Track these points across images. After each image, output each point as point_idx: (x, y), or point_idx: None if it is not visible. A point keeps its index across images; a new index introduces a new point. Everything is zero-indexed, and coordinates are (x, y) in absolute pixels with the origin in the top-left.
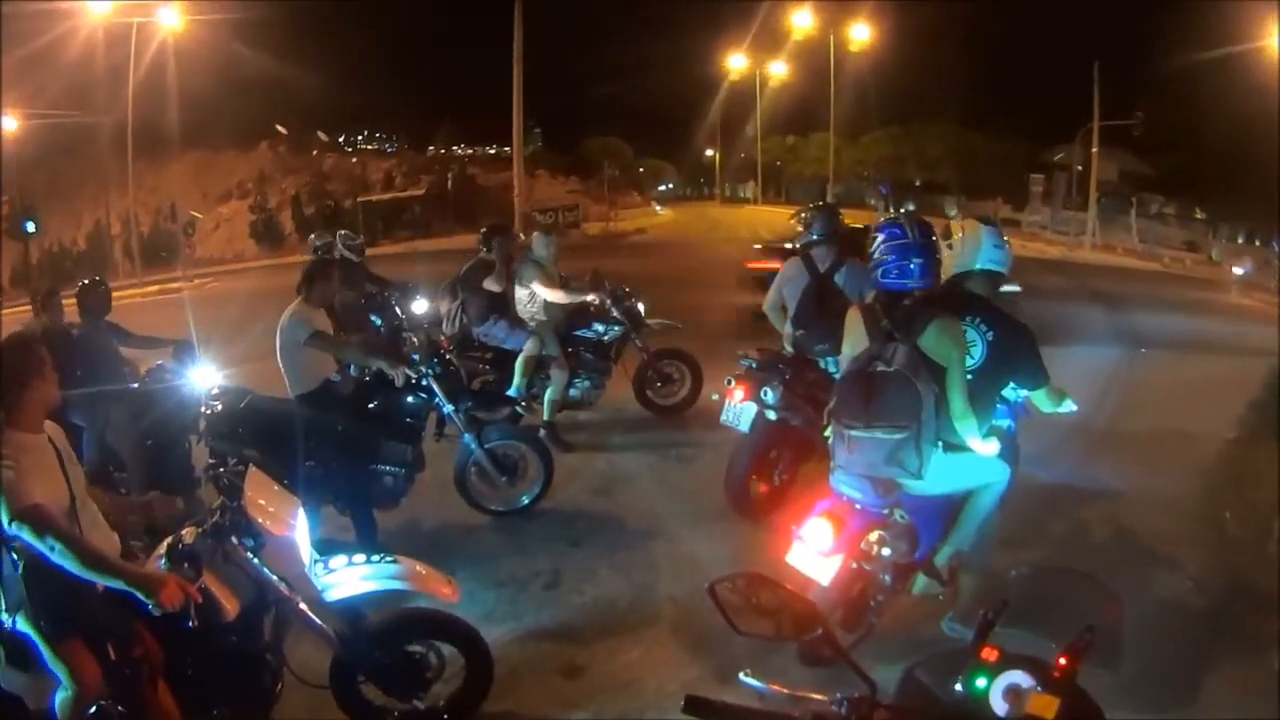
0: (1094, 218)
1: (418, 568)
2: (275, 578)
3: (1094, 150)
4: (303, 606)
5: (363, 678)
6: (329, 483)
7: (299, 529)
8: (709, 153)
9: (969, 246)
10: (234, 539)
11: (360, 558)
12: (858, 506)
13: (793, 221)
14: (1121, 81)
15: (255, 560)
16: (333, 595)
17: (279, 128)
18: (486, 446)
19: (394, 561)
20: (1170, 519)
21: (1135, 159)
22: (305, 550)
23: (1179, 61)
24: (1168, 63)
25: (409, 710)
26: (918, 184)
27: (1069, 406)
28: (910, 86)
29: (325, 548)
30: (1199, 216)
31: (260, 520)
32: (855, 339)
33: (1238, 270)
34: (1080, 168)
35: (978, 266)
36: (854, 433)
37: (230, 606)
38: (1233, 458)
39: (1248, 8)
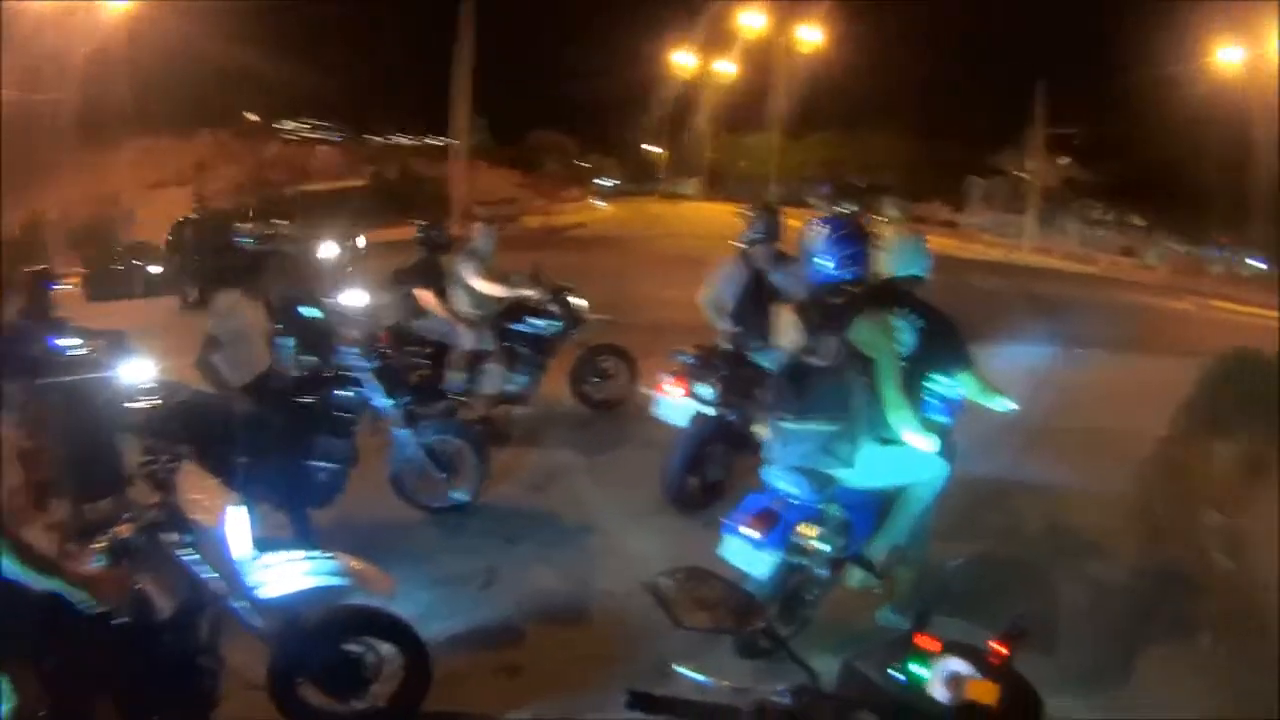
0: (1033, 221)
1: (354, 564)
2: (211, 575)
3: (1036, 155)
4: (238, 605)
5: (300, 679)
6: (265, 479)
7: (235, 525)
8: (653, 149)
9: (900, 251)
10: (169, 535)
11: (296, 554)
12: (792, 501)
13: (737, 217)
14: (1067, 90)
15: (191, 558)
16: (268, 593)
17: (248, 115)
18: (423, 442)
19: (330, 558)
20: (1103, 512)
21: (1077, 166)
22: (241, 547)
23: (1126, 74)
24: (1115, 75)
25: (348, 711)
26: (859, 185)
27: (1007, 404)
28: (856, 89)
29: (261, 545)
30: (1137, 223)
31: (195, 516)
32: (789, 333)
33: None
34: (1021, 173)
35: (906, 271)
36: (788, 425)
37: (165, 606)
38: (1164, 454)
39: (1193, 26)
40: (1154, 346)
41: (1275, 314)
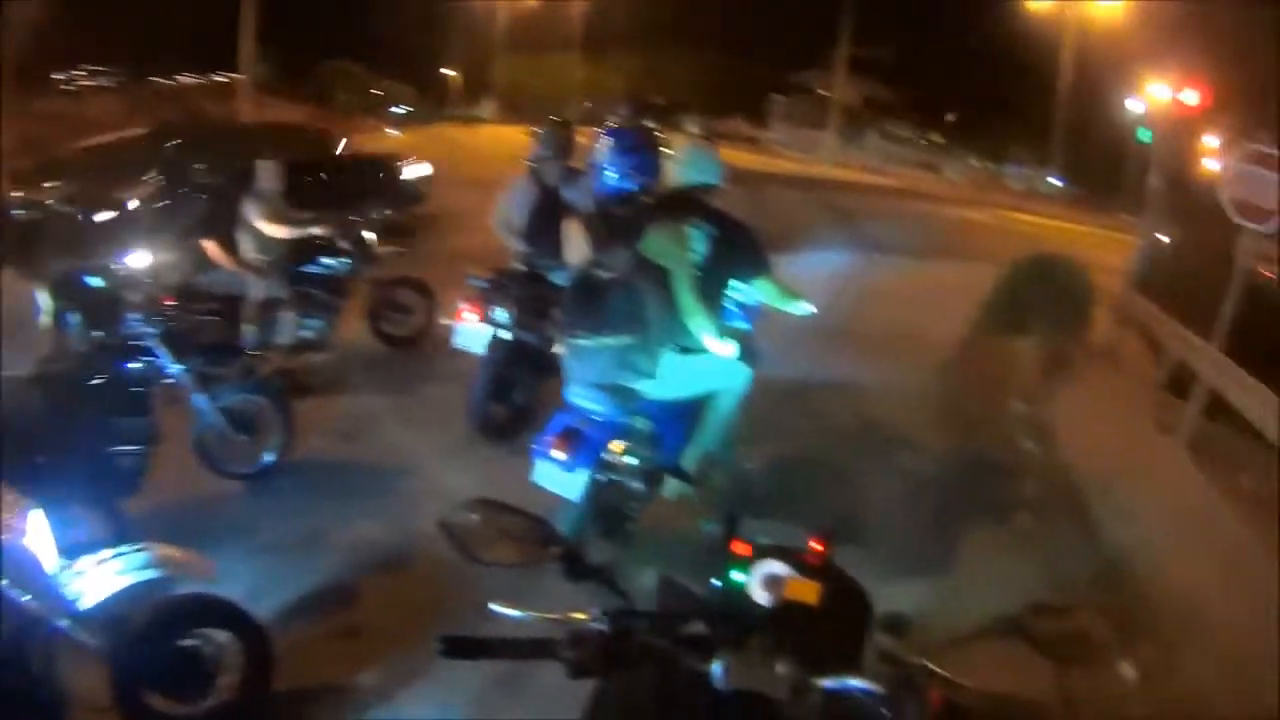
0: (834, 137)
1: (170, 551)
2: (25, 598)
3: (839, 73)
4: (64, 624)
5: (144, 688)
6: (64, 476)
7: (37, 538)
8: (448, 73)
9: (690, 160)
10: None
11: (106, 554)
12: (596, 418)
13: (527, 137)
14: (871, 11)
15: (3, 583)
16: (88, 603)
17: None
18: (221, 406)
19: (142, 550)
20: (909, 408)
21: (878, 85)
22: (49, 559)
23: None
24: None
25: (200, 712)
26: (659, 103)
27: (806, 307)
28: (657, 8)
29: (69, 550)
30: (937, 141)
31: None
32: (578, 248)
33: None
34: (822, 91)
35: (697, 180)
36: (582, 342)
37: None
38: (965, 350)
39: None
40: (955, 253)
41: (1070, 225)
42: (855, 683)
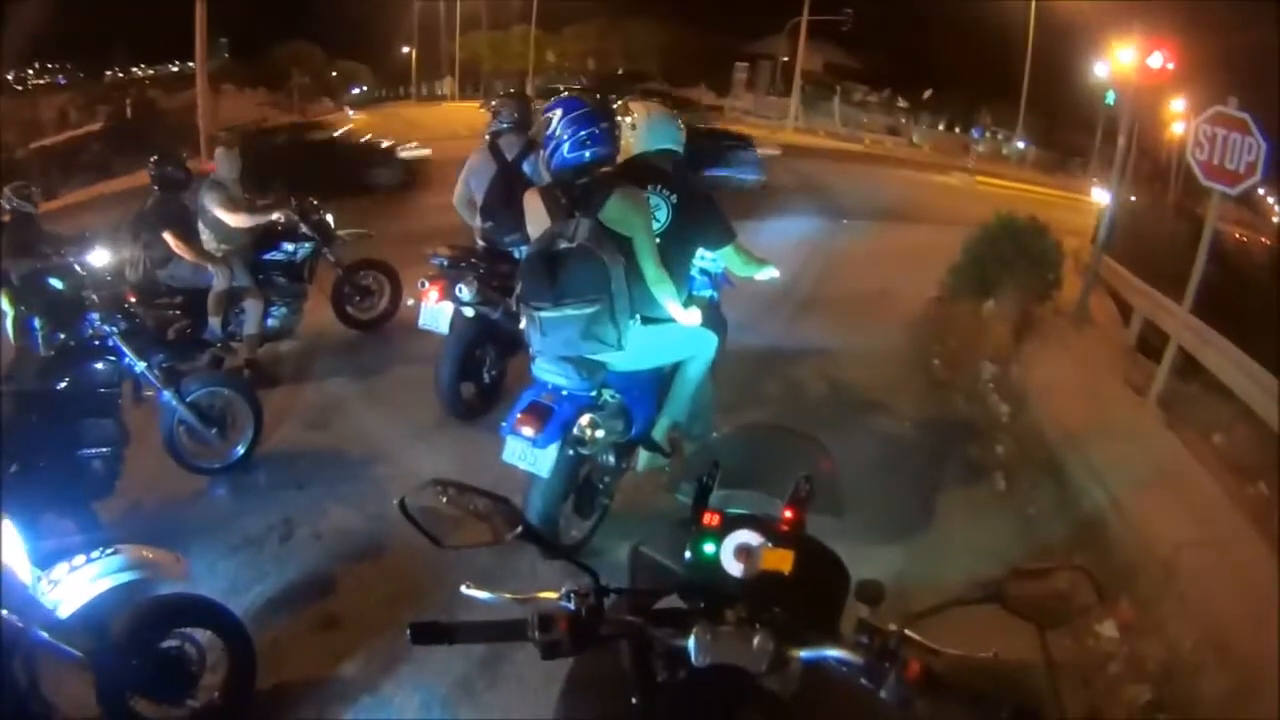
0: (797, 102)
1: (143, 552)
2: (4, 612)
3: (801, 40)
4: (43, 635)
5: (129, 693)
6: (36, 485)
7: (9, 549)
8: (405, 51)
9: (649, 126)
10: None
11: (80, 559)
12: (564, 392)
13: (483, 111)
14: None
15: None
16: (66, 611)
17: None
18: (189, 400)
19: (115, 552)
20: (881, 370)
21: (841, 52)
22: (23, 569)
23: None
24: None
25: (186, 713)
26: (619, 73)
27: (772, 273)
28: None
29: (43, 558)
30: (901, 105)
31: None
32: (537, 221)
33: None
34: (785, 58)
35: (657, 147)
36: (544, 314)
37: None
38: (936, 314)
39: None
40: (921, 217)
41: (1036, 188)
42: (832, 652)
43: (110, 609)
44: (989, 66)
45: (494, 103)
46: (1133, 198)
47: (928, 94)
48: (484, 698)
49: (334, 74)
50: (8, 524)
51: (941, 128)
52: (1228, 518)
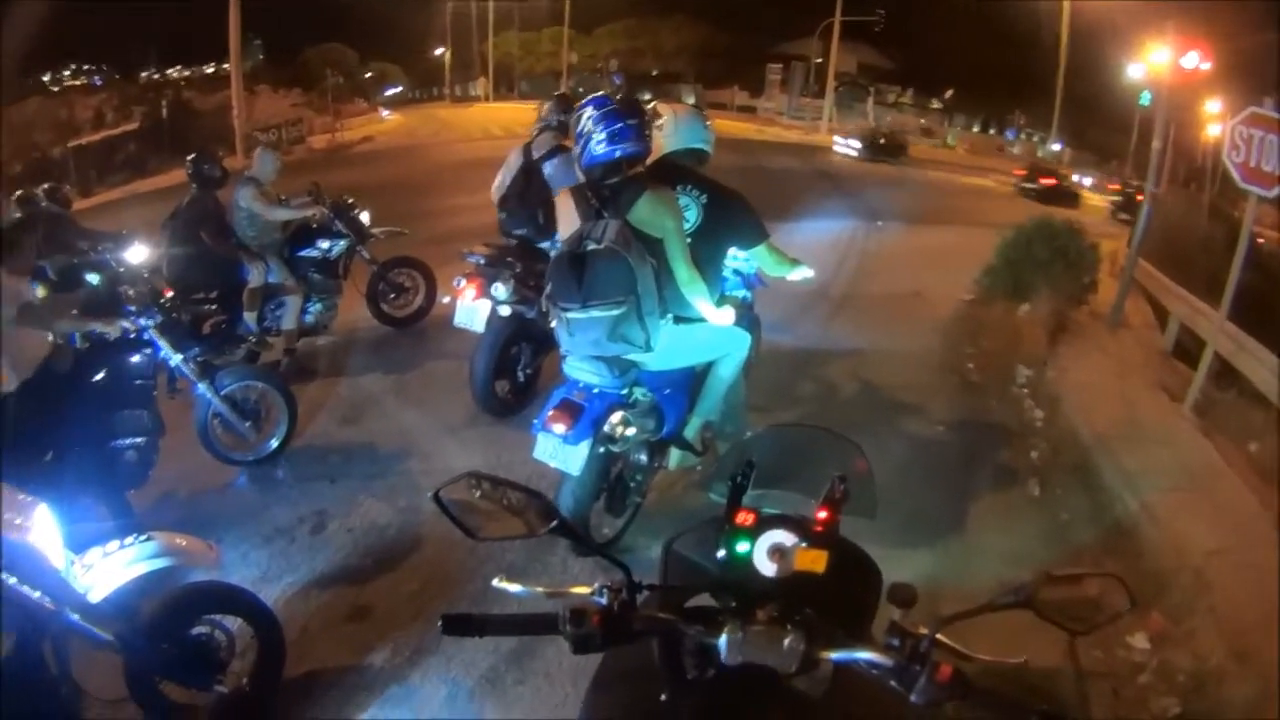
0: (831, 104)
1: (176, 540)
2: (37, 594)
3: (835, 41)
4: (75, 618)
5: (158, 677)
6: (71, 473)
7: (43, 533)
8: (438, 52)
9: (678, 127)
10: None
11: (113, 545)
12: (595, 390)
13: (524, 108)
14: None
15: (12, 581)
16: (98, 595)
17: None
18: (223, 393)
19: (148, 539)
20: (914, 372)
21: (874, 52)
22: (57, 554)
23: None
24: None
25: (214, 699)
26: (653, 74)
27: (806, 273)
28: None
29: (78, 544)
30: (935, 106)
31: (5, 535)
32: (567, 222)
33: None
34: (819, 59)
35: (687, 146)
36: (571, 315)
37: (3, 643)
38: (969, 316)
39: None
40: (955, 218)
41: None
42: (863, 654)
43: (141, 594)
44: (1023, 67)
45: (542, 102)
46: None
47: (949, 94)
48: (512, 692)
49: (368, 75)
50: (42, 509)
51: (976, 129)
52: (1262, 528)
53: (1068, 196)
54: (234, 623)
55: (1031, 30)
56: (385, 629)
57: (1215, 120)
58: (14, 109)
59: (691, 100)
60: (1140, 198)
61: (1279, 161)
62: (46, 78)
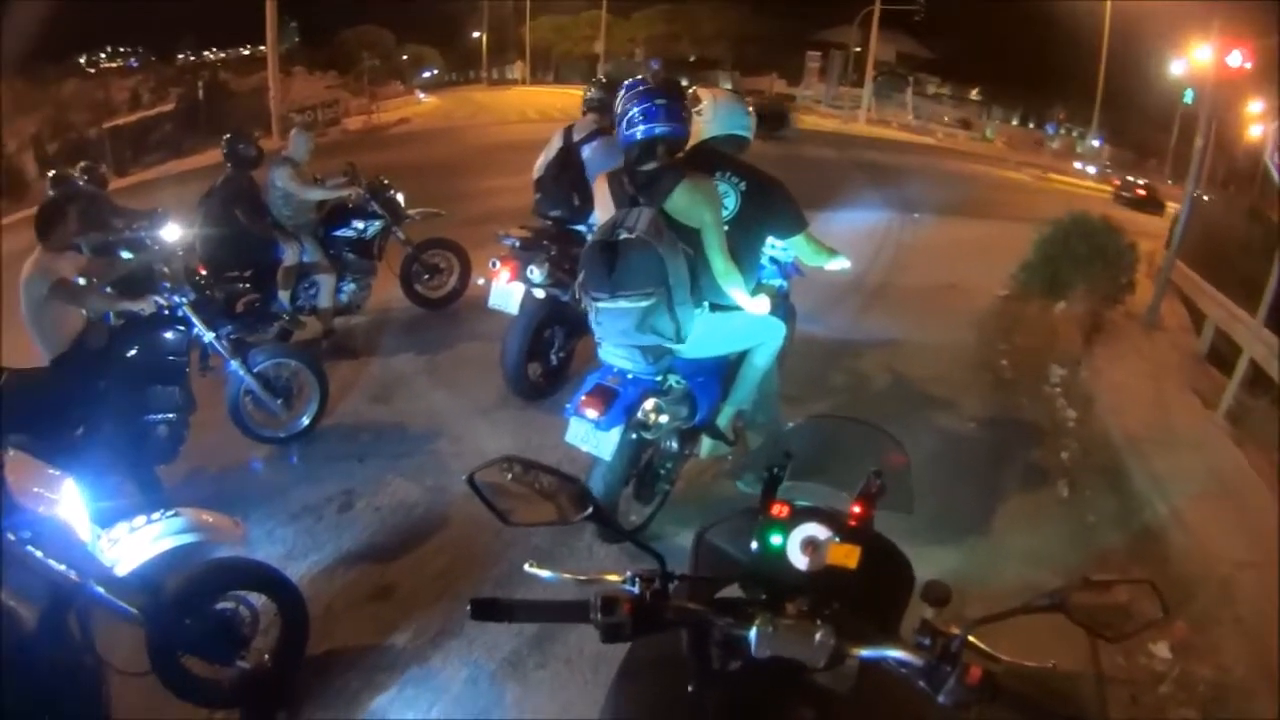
0: (870, 93)
1: (203, 516)
2: (63, 567)
3: (874, 29)
4: (99, 590)
5: (181, 651)
6: (102, 448)
7: (71, 506)
8: (475, 35)
9: (718, 112)
10: (9, 535)
11: (140, 520)
12: (629, 376)
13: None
14: None
15: (38, 554)
16: (124, 569)
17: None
18: (256, 370)
19: (175, 515)
20: (948, 367)
21: (913, 42)
22: (84, 527)
23: None
24: None
25: (236, 674)
26: (691, 60)
27: (843, 264)
28: None
29: (105, 518)
30: (974, 98)
31: (33, 508)
32: (604, 207)
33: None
34: (858, 48)
35: (727, 132)
36: (600, 304)
37: (27, 614)
38: (1004, 311)
39: None
40: (992, 213)
41: (1111, 187)
42: (893, 653)
43: (167, 569)
44: (1064, 61)
45: (589, 86)
46: (1210, 200)
47: (974, 92)
48: (533, 676)
49: (404, 57)
50: (69, 483)
51: (1015, 122)
52: None
53: (1154, 204)
54: (258, 599)
55: (1073, 24)
56: (409, 609)
57: (1257, 120)
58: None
59: (729, 87)
60: (1141, 193)
61: None
62: (83, 59)
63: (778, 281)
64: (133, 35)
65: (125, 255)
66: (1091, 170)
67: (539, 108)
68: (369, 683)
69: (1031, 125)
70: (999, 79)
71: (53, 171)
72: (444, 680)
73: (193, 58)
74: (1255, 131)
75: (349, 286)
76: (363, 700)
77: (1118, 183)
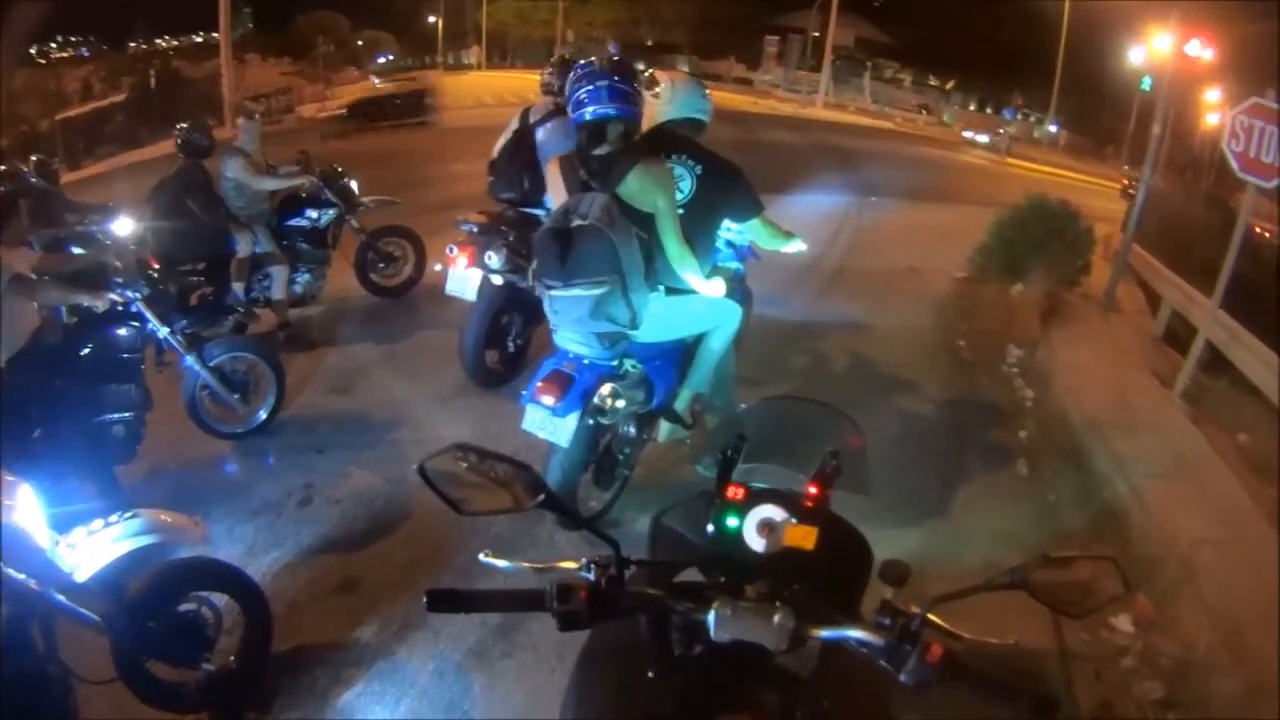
0: (828, 78)
1: (161, 516)
2: (22, 576)
3: (833, 14)
4: (60, 598)
5: (146, 657)
6: (60, 449)
7: (27, 513)
8: (431, 20)
9: (675, 95)
10: None
11: (98, 523)
12: (585, 361)
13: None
14: None
15: None
16: (84, 574)
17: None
18: (211, 365)
19: (133, 516)
20: (906, 349)
21: (872, 27)
22: (42, 533)
23: None
24: None
25: (203, 676)
26: (649, 44)
27: (798, 246)
28: None
29: (62, 522)
30: (933, 83)
31: None
32: (556, 191)
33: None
34: (816, 33)
35: (683, 115)
36: (554, 292)
37: None
38: (962, 294)
39: None
40: (950, 196)
41: (1067, 173)
42: (853, 633)
43: (128, 572)
44: (1023, 47)
45: (548, 67)
46: (1166, 186)
47: (950, 85)
48: (499, 665)
49: (359, 43)
50: (25, 489)
51: (973, 107)
52: (1249, 518)
53: None
54: (221, 599)
55: (1033, 10)
56: (373, 602)
57: (1214, 109)
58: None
59: (686, 70)
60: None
61: (1278, 153)
62: (34, 50)
63: (733, 265)
64: (84, 24)
65: (77, 250)
66: (982, 139)
67: (495, 92)
68: (336, 678)
69: (989, 110)
70: (957, 64)
71: (1, 167)
72: (411, 673)
73: (144, 46)
74: (1213, 119)
75: (304, 277)
76: (331, 697)
77: (1125, 181)
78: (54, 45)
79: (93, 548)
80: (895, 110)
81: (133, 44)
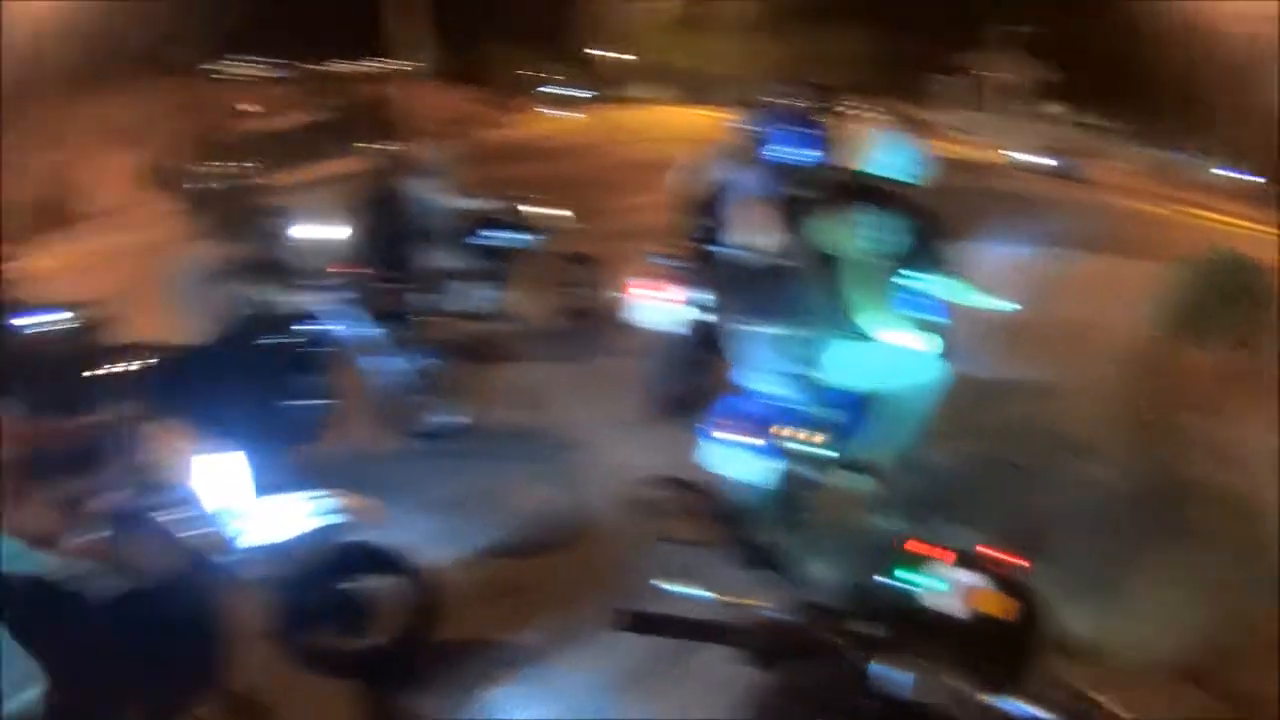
0: (997, 119)
1: (345, 499)
2: (199, 535)
3: (1003, 53)
4: (231, 560)
5: (306, 623)
6: (253, 429)
7: (220, 476)
8: (616, 55)
9: (882, 151)
10: (152, 499)
11: (287, 497)
12: (770, 401)
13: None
14: None
15: (174, 521)
16: (262, 540)
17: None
18: (404, 367)
19: (321, 496)
20: (1087, 411)
21: (1040, 66)
22: (228, 498)
23: None
24: None
25: (359, 650)
26: (825, 85)
27: (1001, 304)
28: None
29: (251, 494)
30: (1102, 125)
31: (176, 475)
32: (750, 233)
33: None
34: (983, 72)
35: (885, 172)
36: (744, 329)
37: (161, 572)
38: (1148, 353)
39: None
40: (1129, 249)
41: (1254, 225)
42: (1025, 707)
43: (303, 545)
44: (1201, 85)
45: (750, 108)
46: None
47: (1104, 119)
48: (652, 691)
49: (542, 74)
50: (222, 457)
51: (1147, 149)
52: None
53: None
54: (390, 581)
55: (1212, 48)
56: (536, 610)
57: None
58: (202, 95)
59: (890, 118)
60: None
61: None
62: (219, 67)
63: (933, 318)
64: (273, 45)
65: (281, 250)
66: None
67: (675, 128)
68: (488, 675)
69: (1164, 153)
70: (1128, 104)
71: (210, 167)
72: (562, 683)
73: (341, 68)
74: None
75: (489, 294)
76: (479, 691)
77: None
78: (243, 63)
79: (278, 518)
80: (1063, 152)
81: (328, 65)
